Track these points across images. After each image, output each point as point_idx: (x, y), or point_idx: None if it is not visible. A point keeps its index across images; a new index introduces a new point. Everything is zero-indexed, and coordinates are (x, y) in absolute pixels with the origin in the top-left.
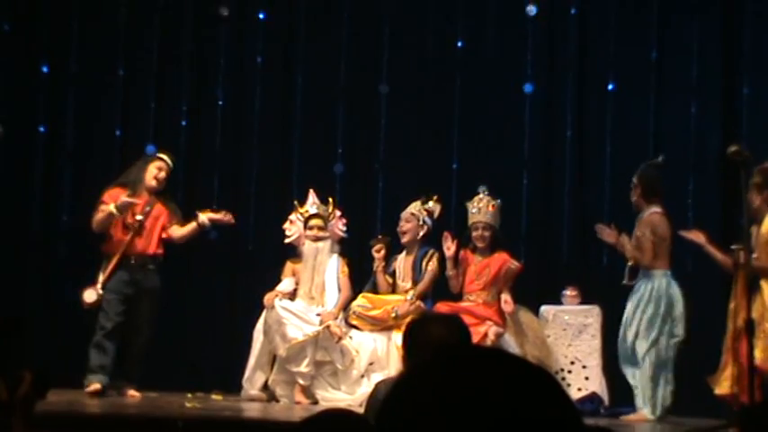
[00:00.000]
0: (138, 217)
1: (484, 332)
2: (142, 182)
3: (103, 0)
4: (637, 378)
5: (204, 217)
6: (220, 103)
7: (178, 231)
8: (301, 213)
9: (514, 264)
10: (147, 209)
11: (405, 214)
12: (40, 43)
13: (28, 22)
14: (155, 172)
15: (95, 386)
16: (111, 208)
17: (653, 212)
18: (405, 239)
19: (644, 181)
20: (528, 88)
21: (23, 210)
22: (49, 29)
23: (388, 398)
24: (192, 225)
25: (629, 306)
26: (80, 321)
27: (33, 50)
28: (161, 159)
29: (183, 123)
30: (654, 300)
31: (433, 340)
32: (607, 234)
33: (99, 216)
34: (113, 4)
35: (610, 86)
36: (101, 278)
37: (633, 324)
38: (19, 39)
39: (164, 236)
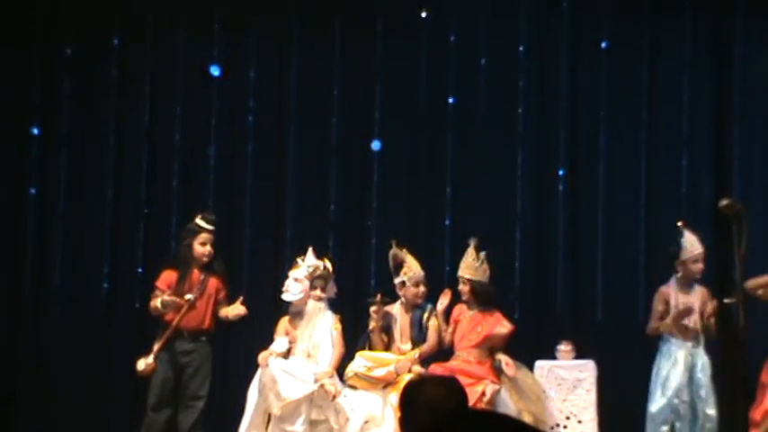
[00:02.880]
0: (188, 296)
1: (481, 391)
2: (191, 262)
3: (94, 61)
4: None
5: (223, 314)
6: (212, 162)
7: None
8: (309, 273)
9: (506, 327)
10: (200, 287)
11: (418, 278)
12: (31, 104)
13: (18, 84)
14: (200, 249)
15: None
16: (158, 304)
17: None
18: (415, 303)
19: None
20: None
21: (15, 273)
22: (39, 90)
23: None
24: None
25: (682, 369)
26: (72, 385)
27: (23, 112)
28: (204, 231)
29: (175, 184)
30: (711, 363)
31: (429, 401)
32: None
33: (153, 306)
34: (104, 64)
35: (601, 140)
36: (155, 347)
37: (702, 387)
38: (9, 100)
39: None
